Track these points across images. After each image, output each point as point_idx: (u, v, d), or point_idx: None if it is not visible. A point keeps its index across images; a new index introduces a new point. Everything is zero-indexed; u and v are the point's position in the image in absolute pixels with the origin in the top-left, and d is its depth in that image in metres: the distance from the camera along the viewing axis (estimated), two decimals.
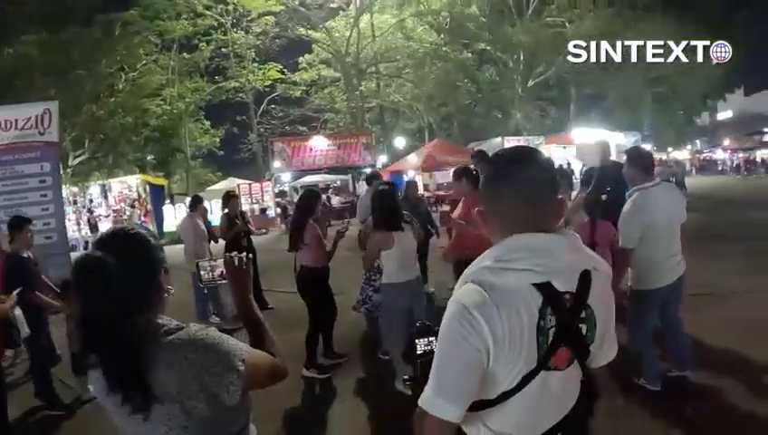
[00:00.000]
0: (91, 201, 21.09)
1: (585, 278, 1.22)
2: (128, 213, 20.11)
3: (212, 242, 7.09)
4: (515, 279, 1.17)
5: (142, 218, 20.04)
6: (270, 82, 31.50)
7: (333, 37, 29.94)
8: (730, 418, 3.25)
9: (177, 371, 1.21)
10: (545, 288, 1.16)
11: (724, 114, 42.21)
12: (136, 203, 20.57)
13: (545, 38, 29.05)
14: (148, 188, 21.07)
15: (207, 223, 7.27)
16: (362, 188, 24.45)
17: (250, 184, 23.02)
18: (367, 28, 30.18)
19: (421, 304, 4.27)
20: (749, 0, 30.96)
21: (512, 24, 29.95)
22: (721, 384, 3.63)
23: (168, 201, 22.24)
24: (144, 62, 26.08)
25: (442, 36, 30.32)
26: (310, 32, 30.15)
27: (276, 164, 24.41)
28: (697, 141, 37.17)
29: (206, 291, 6.31)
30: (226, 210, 7.04)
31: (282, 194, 23.85)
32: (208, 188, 25.29)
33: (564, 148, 26.04)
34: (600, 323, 1.27)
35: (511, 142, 24.26)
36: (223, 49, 30.11)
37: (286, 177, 24.18)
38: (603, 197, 5.09)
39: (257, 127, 32.23)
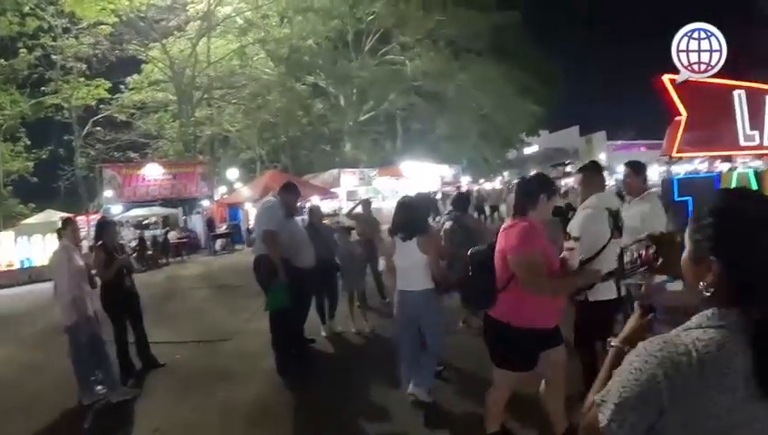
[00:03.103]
0: None
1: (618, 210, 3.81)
2: None
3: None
4: (602, 206, 3.77)
5: None
6: (96, 100, 29.62)
7: (171, 57, 29.46)
8: None
9: None
10: (609, 209, 3.74)
11: (530, 149, 49.99)
12: None
13: (383, 75, 31.81)
14: None
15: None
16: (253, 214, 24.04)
17: (74, 217, 21.59)
18: (205, 51, 30.07)
19: (427, 317, 4.37)
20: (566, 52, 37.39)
21: (348, 59, 32.35)
22: None
23: None
24: None
25: (276, 67, 31.60)
26: (145, 50, 29.37)
27: (107, 193, 23.40)
28: (505, 173, 43.17)
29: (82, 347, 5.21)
30: (101, 241, 5.82)
31: None
32: (23, 222, 23.08)
33: (397, 179, 28.80)
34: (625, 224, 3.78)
35: (347, 174, 26.37)
36: (53, 56, 27.68)
37: (116, 209, 23.05)
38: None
39: (81, 151, 30.18)
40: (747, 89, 9.24)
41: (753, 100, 9.22)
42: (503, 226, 3.34)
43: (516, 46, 32.88)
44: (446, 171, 32.39)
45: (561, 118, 48.57)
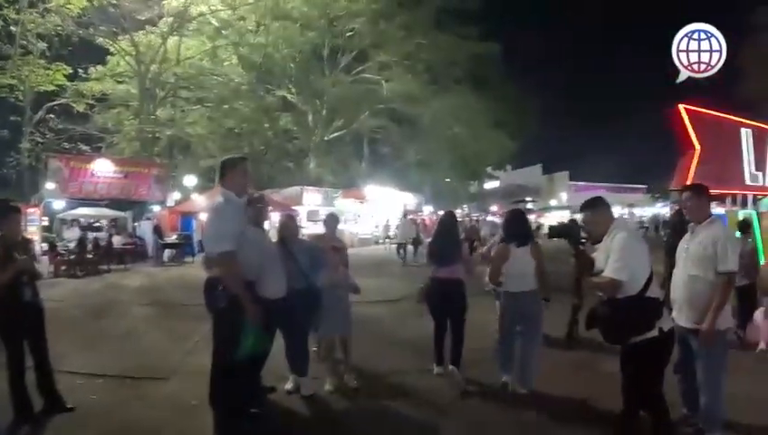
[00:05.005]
0: None
1: None
2: None
3: None
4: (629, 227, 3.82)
5: None
6: (54, 86, 27.61)
7: (139, 51, 28.06)
8: None
9: None
10: None
11: (491, 184, 50.67)
12: None
13: (356, 93, 31.32)
14: None
15: None
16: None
17: None
18: (175, 49, 28.91)
19: (537, 315, 4.99)
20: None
21: (322, 74, 31.79)
22: None
23: None
24: None
25: (247, 74, 30.72)
26: (113, 41, 27.99)
27: (49, 186, 21.59)
28: (465, 206, 43.32)
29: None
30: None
31: (47, 228, 20.59)
32: None
33: (361, 202, 28.34)
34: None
35: (310, 192, 25.77)
36: (12, 28, 25.56)
37: (58, 205, 21.46)
38: None
39: (29, 139, 27.66)
40: (754, 128, 9.17)
41: (759, 140, 9.18)
42: None
43: (494, 78, 33.05)
44: (410, 199, 32.16)
45: (525, 155, 49.27)
